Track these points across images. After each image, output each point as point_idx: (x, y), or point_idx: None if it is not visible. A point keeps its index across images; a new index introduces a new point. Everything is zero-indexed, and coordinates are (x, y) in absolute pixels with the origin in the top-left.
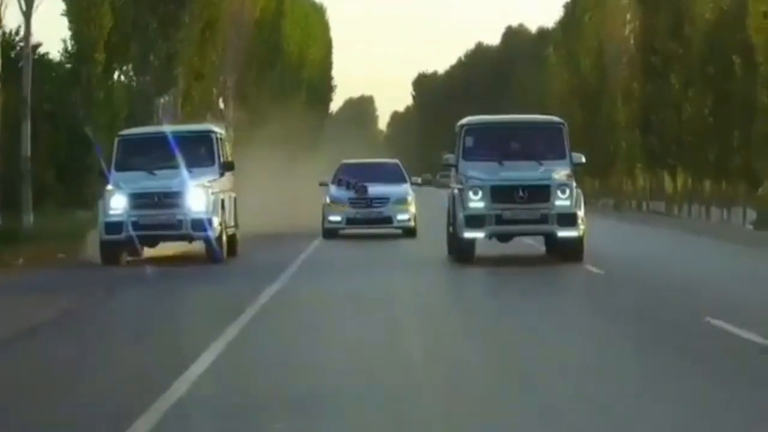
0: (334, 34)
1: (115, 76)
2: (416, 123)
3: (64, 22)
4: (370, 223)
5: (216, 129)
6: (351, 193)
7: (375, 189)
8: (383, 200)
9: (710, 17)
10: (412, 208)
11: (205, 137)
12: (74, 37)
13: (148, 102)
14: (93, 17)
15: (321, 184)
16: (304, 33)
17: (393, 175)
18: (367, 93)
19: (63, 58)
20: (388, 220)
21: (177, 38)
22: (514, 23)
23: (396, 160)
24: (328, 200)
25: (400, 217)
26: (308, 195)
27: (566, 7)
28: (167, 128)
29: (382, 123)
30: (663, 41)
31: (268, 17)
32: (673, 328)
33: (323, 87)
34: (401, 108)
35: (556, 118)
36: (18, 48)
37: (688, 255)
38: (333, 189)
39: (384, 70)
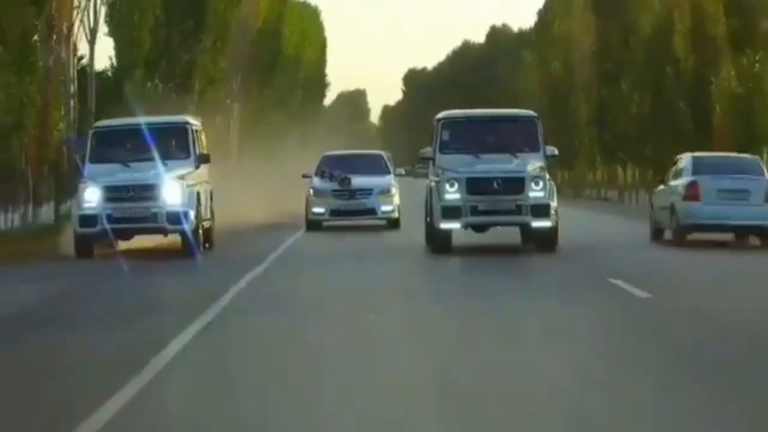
0: (329, 29)
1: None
2: (406, 116)
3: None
4: (353, 214)
5: (192, 121)
6: (334, 185)
7: (358, 180)
8: (367, 191)
9: (647, 32)
10: (396, 200)
11: (181, 129)
12: (118, 55)
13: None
14: (134, 39)
15: (304, 176)
16: (301, 36)
17: (376, 167)
18: (360, 87)
19: (110, 73)
20: (371, 212)
21: (195, 50)
22: (499, 23)
23: (380, 152)
24: (311, 192)
25: (384, 208)
26: (300, 186)
27: (539, 13)
28: (142, 120)
29: (374, 116)
30: (615, 50)
31: (269, 26)
32: (580, 286)
33: (318, 84)
34: (392, 102)
35: (530, 112)
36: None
37: (612, 232)
38: (316, 181)
39: (376, 65)
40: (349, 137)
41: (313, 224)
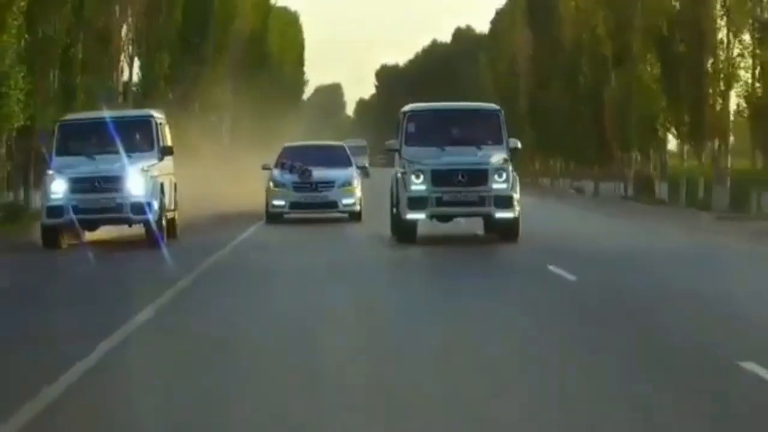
0: (307, 25)
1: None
2: (379, 110)
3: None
4: (314, 207)
5: (156, 114)
6: (295, 177)
7: (320, 173)
8: (328, 184)
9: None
10: (358, 192)
11: (145, 122)
12: (142, 71)
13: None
14: (155, 58)
15: (264, 168)
16: (283, 40)
17: (338, 159)
18: (336, 81)
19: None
20: (333, 205)
21: (199, 60)
22: (463, 24)
23: (341, 143)
24: (271, 185)
25: (346, 201)
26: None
27: (491, 22)
28: (107, 113)
29: (350, 109)
30: (544, 60)
31: (257, 34)
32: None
33: (297, 82)
34: (367, 96)
35: (493, 106)
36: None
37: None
38: (276, 173)
39: (351, 61)
40: (325, 129)
41: (273, 217)
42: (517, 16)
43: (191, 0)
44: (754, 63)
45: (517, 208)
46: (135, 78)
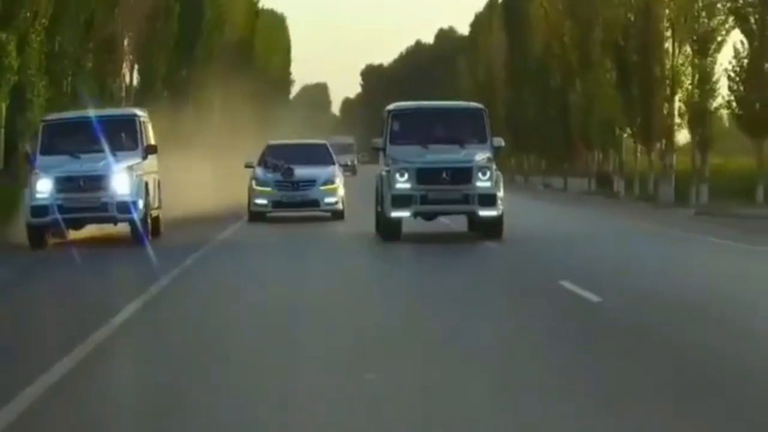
0: (293, 25)
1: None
2: (364, 108)
3: None
4: (296, 206)
5: (139, 113)
6: (277, 176)
7: (302, 171)
8: (310, 183)
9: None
10: (340, 191)
11: (129, 121)
12: (141, 75)
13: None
14: (153, 63)
15: (247, 166)
16: (269, 43)
17: (320, 157)
18: (322, 80)
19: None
20: (315, 203)
21: (191, 64)
22: (446, 26)
23: (324, 141)
24: (253, 183)
25: (328, 199)
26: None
27: (471, 26)
28: (92, 113)
29: (336, 108)
30: (521, 62)
31: (245, 38)
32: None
33: (284, 82)
34: (352, 95)
35: (477, 105)
36: None
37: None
38: (259, 171)
39: (338, 61)
40: (312, 127)
41: (256, 216)
42: (493, 22)
43: (185, 8)
44: (693, 71)
45: (501, 207)
46: (134, 81)
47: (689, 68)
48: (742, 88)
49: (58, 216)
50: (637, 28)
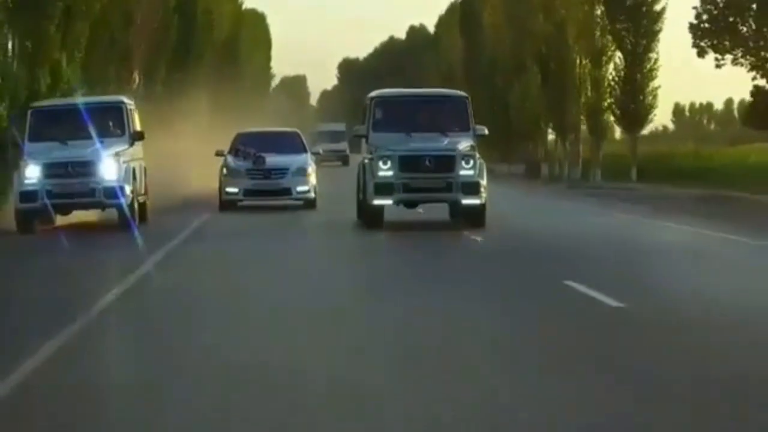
0: (274, 18)
1: None
2: (341, 100)
3: None
4: (268, 194)
5: (126, 100)
6: (249, 164)
7: (273, 159)
8: (282, 171)
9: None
10: (312, 179)
11: (116, 108)
12: (145, 77)
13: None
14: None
15: (218, 154)
16: (253, 42)
17: (292, 146)
18: (301, 72)
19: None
20: (287, 192)
21: (184, 67)
22: (417, 23)
23: (296, 130)
24: (224, 171)
25: (300, 188)
26: None
27: (435, 26)
28: (79, 100)
29: (314, 100)
30: (473, 62)
31: (230, 39)
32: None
33: (264, 77)
34: (329, 87)
35: (460, 93)
36: None
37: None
38: (230, 159)
39: (315, 54)
40: (291, 117)
41: (227, 204)
42: (453, 23)
43: (181, 19)
44: (591, 79)
45: (484, 195)
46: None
47: (588, 77)
48: (619, 93)
49: (47, 201)
50: (554, 41)
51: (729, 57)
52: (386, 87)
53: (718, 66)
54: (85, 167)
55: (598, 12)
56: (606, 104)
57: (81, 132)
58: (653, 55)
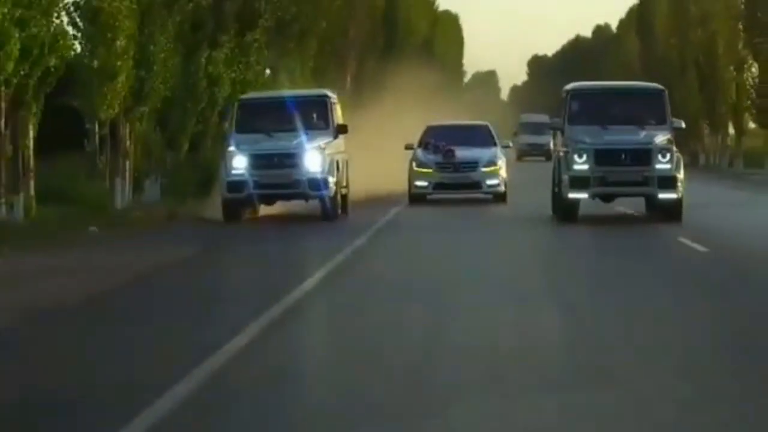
0: (465, 20)
1: None
2: (530, 96)
3: None
4: (458, 188)
5: (329, 94)
6: (438, 157)
7: (463, 153)
8: (472, 164)
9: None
10: (503, 173)
11: (320, 102)
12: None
13: None
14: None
15: (407, 147)
16: (447, 41)
17: (482, 138)
18: (492, 68)
19: None
20: (476, 185)
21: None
22: (602, 22)
23: (486, 123)
24: (414, 165)
25: (490, 181)
26: None
27: (617, 28)
28: (285, 93)
29: (504, 95)
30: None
31: (426, 39)
32: None
33: (457, 72)
34: (519, 83)
35: (657, 86)
36: None
37: None
38: (419, 153)
39: (505, 50)
40: (482, 111)
41: (416, 198)
42: (631, 26)
43: (385, 25)
44: (735, 84)
45: (681, 189)
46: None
47: (732, 82)
48: (755, 96)
49: (253, 192)
50: (708, 51)
51: None
52: (573, 82)
53: None
54: (291, 159)
55: (740, 26)
56: (745, 105)
57: (286, 124)
58: None
